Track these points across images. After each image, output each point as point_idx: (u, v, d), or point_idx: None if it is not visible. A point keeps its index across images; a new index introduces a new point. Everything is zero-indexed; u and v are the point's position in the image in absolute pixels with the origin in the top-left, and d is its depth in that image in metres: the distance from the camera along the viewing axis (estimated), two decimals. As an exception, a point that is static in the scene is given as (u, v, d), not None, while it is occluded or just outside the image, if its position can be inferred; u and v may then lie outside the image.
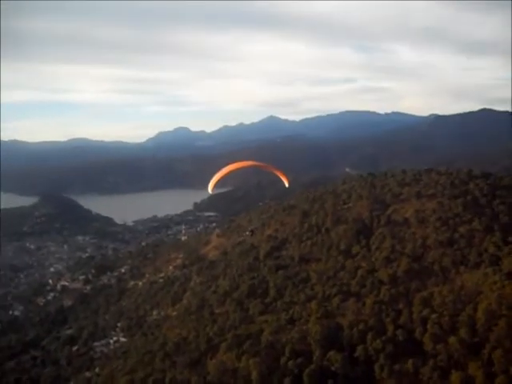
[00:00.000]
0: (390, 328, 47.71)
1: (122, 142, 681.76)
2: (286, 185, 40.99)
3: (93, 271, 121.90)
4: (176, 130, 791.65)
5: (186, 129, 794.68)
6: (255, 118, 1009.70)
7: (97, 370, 69.09)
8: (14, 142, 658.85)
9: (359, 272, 62.90)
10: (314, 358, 45.93)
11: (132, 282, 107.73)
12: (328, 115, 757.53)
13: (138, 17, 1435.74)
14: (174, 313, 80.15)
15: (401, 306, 52.31)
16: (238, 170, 39.16)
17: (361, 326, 48.26)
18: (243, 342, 50.30)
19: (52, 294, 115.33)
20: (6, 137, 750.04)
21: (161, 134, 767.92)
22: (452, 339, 44.22)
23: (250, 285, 72.16)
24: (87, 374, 69.10)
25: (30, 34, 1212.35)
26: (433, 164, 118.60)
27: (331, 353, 45.53)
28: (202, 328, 59.54)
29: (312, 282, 66.18)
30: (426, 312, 48.93)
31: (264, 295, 67.17)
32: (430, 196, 79.54)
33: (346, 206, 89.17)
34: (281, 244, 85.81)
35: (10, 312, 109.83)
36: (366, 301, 53.93)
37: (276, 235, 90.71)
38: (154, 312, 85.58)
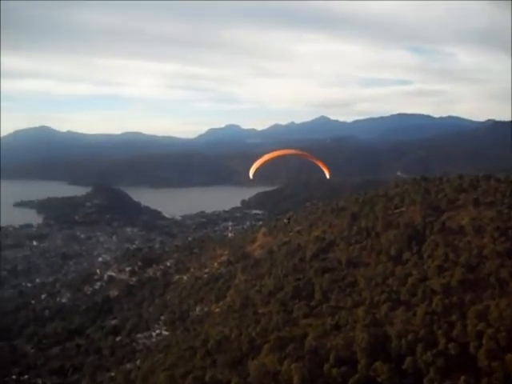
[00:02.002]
0: (442, 341, 45.11)
1: (173, 137, 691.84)
2: (328, 176, 39.88)
3: (139, 263, 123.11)
4: (227, 127, 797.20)
5: (237, 126, 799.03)
6: (306, 118, 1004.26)
7: (138, 362, 69.17)
8: (70, 133, 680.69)
9: (410, 280, 60.26)
10: (359, 367, 43.88)
11: (177, 276, 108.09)
12: (380, 117, 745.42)
13: (193, 12, 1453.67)
14: (217, 310, 79.56)
15: (454, 318, 49.46)
16: (279, 157, 38.28)
17: (410, 337, 45.82)
18: (286, 344, 48.77)
19: (99, 284, 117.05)
20: (62, 127, 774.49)
21: (212, 131, 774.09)
22: (509, 356, 41.38)
23: (295, 286, 70.66)
24: (128, 365, 69.27)
25: (85, 27, 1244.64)
26: (489, 171, 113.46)
27: (378, 363, 43.36)
28: (245, 327, 58.40)
29: (360, 287, 63.99)
30: (481, 326, 46.02)
31: (309, 298, 65.53)
32: (488, 204, 75.88)
33: (397, 211, 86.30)
34: (328, 246, 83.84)
35: (58, 299, 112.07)
36: (417, 310, 51.41)
37: (323, 236, 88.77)
38: (198, 307, 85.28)
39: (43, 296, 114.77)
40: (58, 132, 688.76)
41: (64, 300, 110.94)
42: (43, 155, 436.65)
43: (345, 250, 78.62)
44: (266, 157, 36.98)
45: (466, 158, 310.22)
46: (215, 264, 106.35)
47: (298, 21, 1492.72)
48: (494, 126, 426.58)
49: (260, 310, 68.25)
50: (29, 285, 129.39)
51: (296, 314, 60.50)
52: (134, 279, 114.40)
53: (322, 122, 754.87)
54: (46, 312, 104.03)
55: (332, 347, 47.01)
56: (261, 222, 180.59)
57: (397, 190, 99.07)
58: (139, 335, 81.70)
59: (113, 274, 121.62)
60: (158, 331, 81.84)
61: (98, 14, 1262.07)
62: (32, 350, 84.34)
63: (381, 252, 72.50)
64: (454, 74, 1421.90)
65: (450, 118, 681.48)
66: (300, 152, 43.07)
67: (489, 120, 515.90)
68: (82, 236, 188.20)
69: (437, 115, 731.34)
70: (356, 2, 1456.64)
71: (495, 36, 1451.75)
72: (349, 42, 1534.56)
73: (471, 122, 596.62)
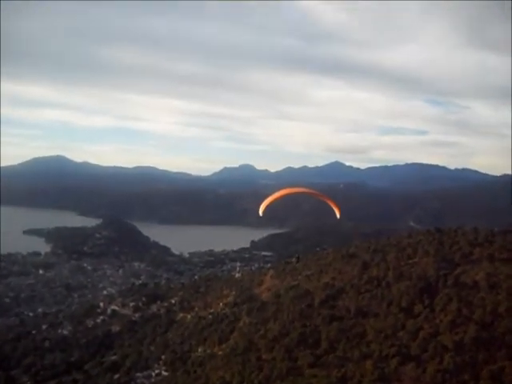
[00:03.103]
0: (453, 402, 43.05)
1: (186, 174, 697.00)
2: (338, 216, 39.12)
3: (143, 299, 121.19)
4: (241, 166, 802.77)
5: (251, 166, 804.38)
6: (319, 162, 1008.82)
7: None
8: (85, 164, 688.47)
9: (421, 334, 57.99)
10: (365, 424, 41.86)
11: (181, 315, 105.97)
12: (395, 165, 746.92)
13: (213, 53, 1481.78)
14: (220, 352, 77.21)
15: (466, 377, 47.35)
16: (289, 194, 37.78)
17: (420, 396, 43.82)
18: (289, 395, 46.86)
19: (101, 317, 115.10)
20: (79, 158, 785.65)
21: (226, 169, 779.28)
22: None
23: (301, 333, 68.44)
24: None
25: (110, 62, 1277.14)
26: (505, 226, 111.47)
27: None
28: (248, 374, 56.39)
29: (368, 339, 61.68)
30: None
31: (315, 346, 63.29)
32: (504, 260, 73.89)
33: (410, 261, 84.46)
34: (337, 293, 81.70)
35: (59, 330, 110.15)
36: (427, 367, 49.30)
37: (333, 283, 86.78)
38: (200, 348, 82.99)
39: (44, 326, 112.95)
40: (74, 162, 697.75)
41: (65, 332, 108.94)
42: (57, 184, 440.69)
43: (354, 299, 76.47)
44: (277, 194, 36.39)
45: (481, 212, 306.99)
46: (220, 304, 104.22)
47: (318, 67, 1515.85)
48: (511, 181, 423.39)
49: (264, 356, 65.95)
50: (31, 314, 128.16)
51: (301, 362, 58.45)
52: (137, 315, 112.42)
53: (336, 167, 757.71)
54: (46, 343, 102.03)
55: (337, 401, 45.00)
56: (269, 264, 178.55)
57: (410, 241, 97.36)
58: (138, 374, 79.33)
59: (116, 308, 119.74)
60: (157, 371, 79.46)
61: (123, 51, 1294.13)
62: (28, 382, 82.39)
63: (391, 303, 70.26)
64: (471, 126, 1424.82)
65: (465, 170, 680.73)
66: (310, 190, 42.44)
67: (505, 175, 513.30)
68: (89, 267, 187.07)
69: (452, 167, 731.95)
70: (376, 52, 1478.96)
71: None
72: (366, 90, 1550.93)
73: (487, 175, 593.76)
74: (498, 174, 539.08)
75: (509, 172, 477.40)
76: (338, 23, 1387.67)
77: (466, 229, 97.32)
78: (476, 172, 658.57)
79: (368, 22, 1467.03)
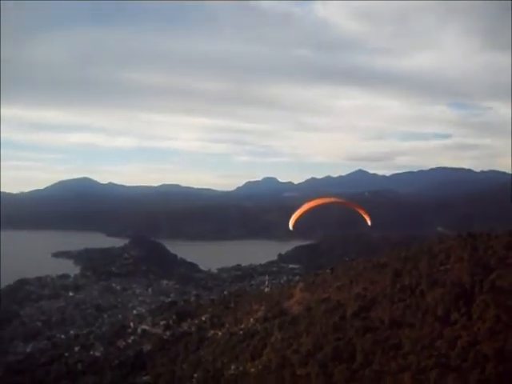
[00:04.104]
0: (499, 414, 41.20)
1: (210, 190, 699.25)
2: (369, 223, 38.62)
3: (174, 317, 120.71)
4: (264, 180, 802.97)
5: (274, 179, 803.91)
6: (343, 172, 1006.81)
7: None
8: (110, 185, 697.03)
9: (459, 343, 56.03)
10: None
11: (212, 332, 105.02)
12: (420, 171, 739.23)
13: (231, 69, 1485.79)
14: (253, 369, 75.95)
15: (510, 387, 45.49)
16: (318, 206, 37.11)
17: (463, 408, 42.09)
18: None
19: (132, 338, 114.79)
20: (104, 179, 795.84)
21: (249, 184, 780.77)
22: None
23: (335, 346, 66.96)
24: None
25: (134, 84, 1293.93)
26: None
27: None
28: (282, 391, 55.17)
29: (404, 350, 59.86)
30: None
31: (350, 360, 61.71)
32: (541, 262, 71.65)
33: (443, 268, 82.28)
34: (370, 304, 79.92)
35: (91, 352, 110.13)
36: (469, 377, 47.47)
37: (365, 294, 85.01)
38: (232, 366, 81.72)
39: (76, 348, 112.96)
40: (99, 184, 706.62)
41: (97, 353, 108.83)
42: (83, 206, 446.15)
43: (387, 309, 74.66)
44: (306, 206, 35.87)
45: (510, 214, 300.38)
46: (251, 320, 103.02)
47: (336, 76, 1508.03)
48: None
49: (298, 372, 64.66)
50: (63, 336, 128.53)
51: (337, 377, 57.03)
52: (167, 333, 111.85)
53: (360, 176, 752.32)
54: (79, 365, 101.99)
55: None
56: (298, 277, 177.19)
57: (441, 247, 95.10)
58: (171, 394, 78.66)
59: (146, 327, 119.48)
60: (190, 390, 78.66)
61: (143, 72, 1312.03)
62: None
63: (427, 312, 68.37)
64: (494, 127, 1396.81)
65: (491, 171, 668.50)
66: (340, 200, 41.92)
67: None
68: (118, 287, 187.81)
69: (478, 169, 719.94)
70: (394, 58, 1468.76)
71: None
72: (386, 97, 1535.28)
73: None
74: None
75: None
76: (353, 32, 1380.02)
77: (498, 232, 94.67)
78: (502, 173, 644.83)
79: (384, 29, 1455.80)
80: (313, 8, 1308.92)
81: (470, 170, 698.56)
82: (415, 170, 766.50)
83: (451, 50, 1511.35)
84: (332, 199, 42.41)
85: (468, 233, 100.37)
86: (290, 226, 36.75)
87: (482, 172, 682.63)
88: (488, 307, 63.93)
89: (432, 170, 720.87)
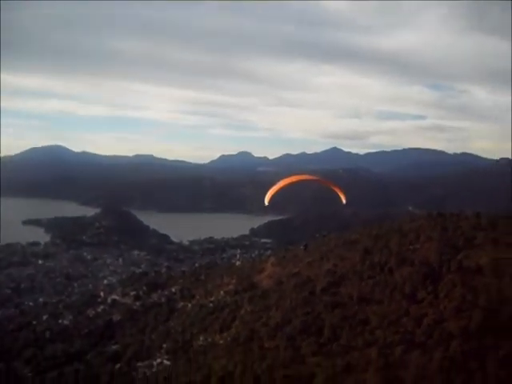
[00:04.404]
0: (461, 389, 42.32)
1: (184, 162, 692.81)
2: (344, 201, 38.83)
3: (144, 288, 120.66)
4: (239, 154, 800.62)
5: (249, 154, 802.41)
6: (318, 149, 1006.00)
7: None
8: (84, 154, 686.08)
9: (425, 320, 57.26)
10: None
11: (182, 303, 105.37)
12: (393, 151, 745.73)
13: (212, 41, 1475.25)
14: (221, 341, 76.59)
15: (473, 364, 46.57)
16: (294, 183, 37.05)
17: (426, 384, 43.09)
18: (293, 384, 46.12)
19: (102, 307, 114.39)
20: (77, 147, 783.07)
21: (223, 157, 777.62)
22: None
23: (304, 320, 67.82)
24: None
25: (105, 51, 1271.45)
26: (505, 210, 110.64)
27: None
28: (250, 363, 55.66)
29: (372, 326, 60.91)
30: (503, 374, 43.21)
31: (318, 334, 62.53)
32: (508, 244, 73.13)
33: (412, 247, 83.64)
34: (339, 280, 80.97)
35: (60, 321, 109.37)
36: (433, 354, 48.53)
37: (335, 270, 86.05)
38: (201, 337, 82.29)
39: (45, 317, 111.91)
40: (72, 152, 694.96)
41: (66, 322, 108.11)
42: (55, 174, 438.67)
43: (356, 285, 75.77)
44: (282, 183, 35.67)
45: (480, 196, 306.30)
46: (221, 292, 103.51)
47: (317, 53, 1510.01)
48: (509, 165, 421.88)
49: (266, 344, 65.34)
50: (31, 304, 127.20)
51: (304, 350, 57.77)
52: (137, 304, 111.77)
53: (334, 153, 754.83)
54: (47, 333, 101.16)
55: (342, 390, 44.34)
56: (269, 252, 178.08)
57: (411, 225, 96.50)
58: (140, 363, 78.68)
59: (117, 297, 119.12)
60: (159, 360, 78.77)
61: (121, 40, 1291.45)
62: (29, 373, 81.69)
63: (394, 289, 69.51)
64: (470, 111, 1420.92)
65: (464, 154, 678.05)
66: (316, 177, 41.85)
67: (503, 158, 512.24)
68: (89, 257, 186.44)
69: (450, 151, 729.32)
70: (376, 37, 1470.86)
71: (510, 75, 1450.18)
72: (365, 75, 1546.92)
73: (485, 159, 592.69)
74: (497, 158, 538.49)
75: (507, 156, 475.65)
76: (337, 9, 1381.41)
77: (468, 213, 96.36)
78: (474, 156, 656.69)
79: (367, 7, 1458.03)
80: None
81: (443, 152, 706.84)
82: (389, 150, 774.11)
83: (433, 31, 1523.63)
84: (308, 176, 42.42)
85: (438, 212, 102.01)
86: (266, 202, 36.60)
87: (455, 154, 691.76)
88: (455, 286, 65.29)
89: (405, 150, 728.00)
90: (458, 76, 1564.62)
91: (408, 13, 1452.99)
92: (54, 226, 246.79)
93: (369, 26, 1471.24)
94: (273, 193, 35.82)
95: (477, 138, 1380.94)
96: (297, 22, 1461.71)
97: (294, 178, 36.26)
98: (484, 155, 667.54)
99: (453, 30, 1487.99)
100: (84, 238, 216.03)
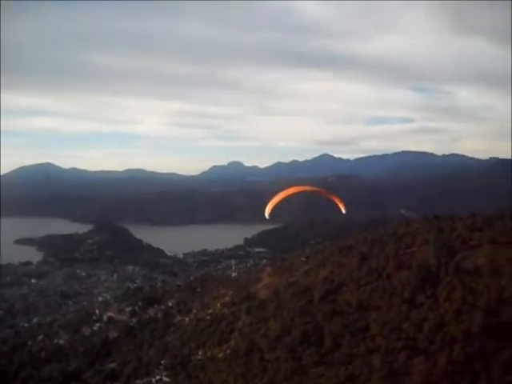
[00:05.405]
0: (467, 394, 41.64)
1: (175, 174, 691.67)
2: (343, 211, 38.55)
3: (140, 303, 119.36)
4: (230, 164, 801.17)
5: (240, 163, 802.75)
6: (309, 156, 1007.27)
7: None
8: (74, 170, 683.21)
9: (426, 325, 56.55)
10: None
11: (179, 317, 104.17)
12: (383, 155, 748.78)
13: (197, 53, 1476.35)
14: (221, 354, 75.47)
15: (477, 367, 45.99)
16: (294, 194, 36.93)
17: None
18: (297, 397, 45.26)
19: (98, 325, 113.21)
20: (67, 164, 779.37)
21: (214, 168, 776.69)
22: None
23: (303, 330, 66.85)
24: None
25: (98, 67, 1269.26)
26: (497, 209, 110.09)
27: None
28: (251, 377, 54.76)
29: (373, 333, 60.14)
30: (509, 378, 42.60)
31: (319, 344, 61.66)
32: (505, 243, 72.67)
33: (409, 251, 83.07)
34: (337, 287, 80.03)
35: (55, 340, 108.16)
36: (437, 359, 47.85)
37: (332, 277, 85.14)
38: (200, 351, 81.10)
39: (40, 337, 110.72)
40: (62, 169, 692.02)
41: (61, 341, 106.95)
42: (46, 192, 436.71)
43: (355, 292, 74.78)
44: (282, 194, 35.17)
45: (471, 196, 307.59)
46: (218, 305, 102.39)
47: (303, 60, 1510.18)
48: (498, 164, 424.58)
49: (266, 356, 64.38)
50: (26, 325, 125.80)
51: (306, 361, 56.94)
52: (134, 320, 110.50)
53: (325, 160, 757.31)
54: (43, 353, 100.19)
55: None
56: (264, 261, 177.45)
57: (407, 229, 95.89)
58: (138, 381, 77.47)
59: (112, 314, 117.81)
60: (158, 377, 77.50)
61: (107, 55, 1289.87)
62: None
63: (393, 294, 68.74)
64: (457, 112, 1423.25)
65: (452, 155, 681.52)
66: (315, 188, 41.34)
67: (492, 158, 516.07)
68: (83, 274, 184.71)
69: (439, 153, 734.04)
70: (360, 42, 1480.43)
71: (496, 76, 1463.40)
72: (352, 81, 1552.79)
73: (474, 159, 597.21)
74: (485, 158, 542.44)
75: (496, 155, 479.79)
76: (320, 15, 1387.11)
77: (462, 214, 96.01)
78: (463, 156, 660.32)
79: (350, 12, 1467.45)
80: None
81: (432, 154, 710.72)
82: (379, 154, 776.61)
83: (416, 34, 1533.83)
84: (309, 188, 41.92)
85: (433, 215, 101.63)
86: (266, 215, 36.10)
87: (444, 155, 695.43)
88: (454, 289, 64.69)
89: (395, 154, 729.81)
90: (442, 77, 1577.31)
91: (390, 16, 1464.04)
92: (47, 244, 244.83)
93: (352, 31, 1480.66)
94: (273, 205, 35.34)
95: (464, 138, 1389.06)
96: (281, 30, 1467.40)
97: (293, 190, 35.81)
98: (473, 155, 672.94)
99: (435, 32, 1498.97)
100: (77, 254, 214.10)
